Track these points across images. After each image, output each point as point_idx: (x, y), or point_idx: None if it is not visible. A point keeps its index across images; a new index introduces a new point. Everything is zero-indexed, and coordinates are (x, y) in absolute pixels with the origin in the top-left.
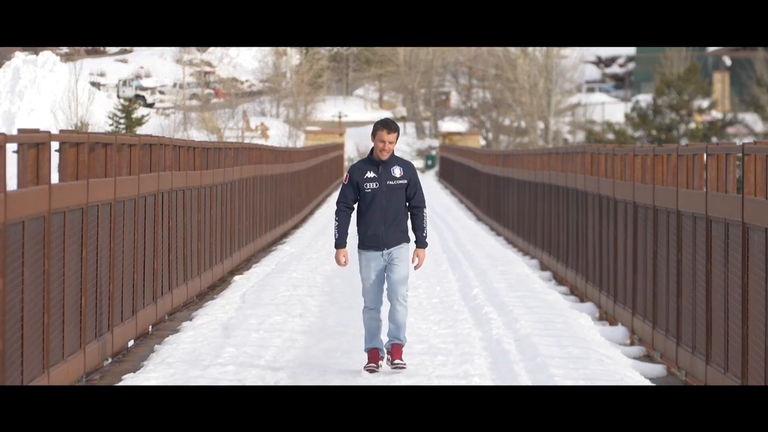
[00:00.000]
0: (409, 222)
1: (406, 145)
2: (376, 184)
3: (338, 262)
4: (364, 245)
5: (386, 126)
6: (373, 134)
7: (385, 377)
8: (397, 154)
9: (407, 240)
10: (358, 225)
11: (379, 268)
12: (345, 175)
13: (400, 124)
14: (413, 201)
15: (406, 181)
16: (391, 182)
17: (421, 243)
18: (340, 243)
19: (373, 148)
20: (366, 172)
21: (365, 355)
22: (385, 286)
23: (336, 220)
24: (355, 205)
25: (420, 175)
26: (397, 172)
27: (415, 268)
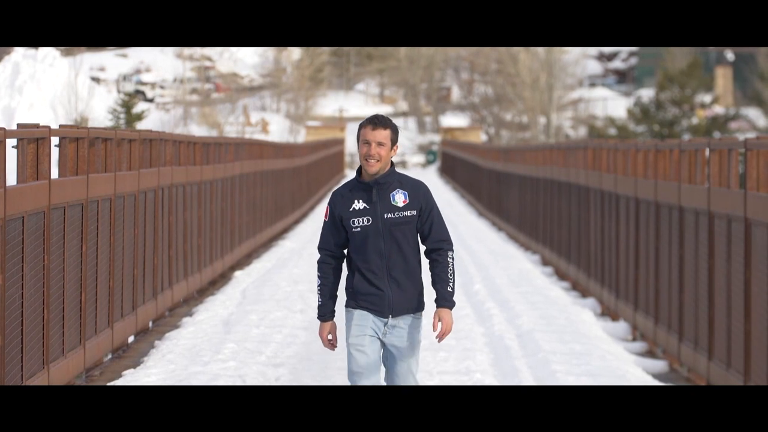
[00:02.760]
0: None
1: (407, 140)
2: (368, 220)
3: (323, 341)
4: (357, 304)
5: (371, 121)
6: (357, 139)
7: None
8: (398, 150)
9: (420, 307)
10: (348, 278)
11: (378, 333)
12: (326, 208)
13: (401, 120)
14: (430, 239)
15: (414, 212)
16: (390, 215)
17: (445, 300)
18: (324, 312)
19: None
20: (352, 202)
21: None
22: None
23: (318, 276)
24: (346, 251)
25: (421, 171)
26: (399, 198)
27: (439, 339)
